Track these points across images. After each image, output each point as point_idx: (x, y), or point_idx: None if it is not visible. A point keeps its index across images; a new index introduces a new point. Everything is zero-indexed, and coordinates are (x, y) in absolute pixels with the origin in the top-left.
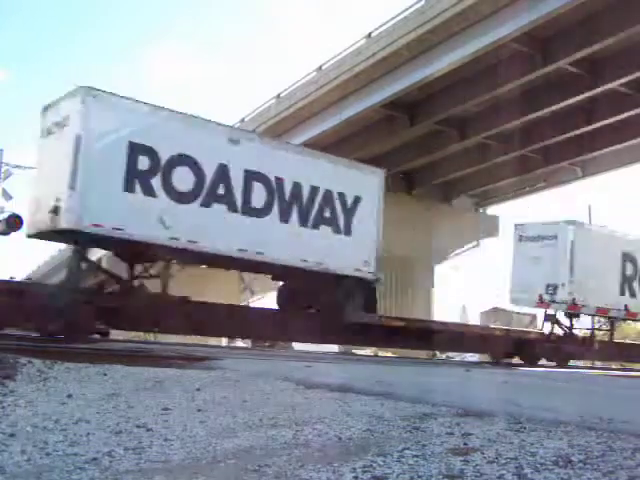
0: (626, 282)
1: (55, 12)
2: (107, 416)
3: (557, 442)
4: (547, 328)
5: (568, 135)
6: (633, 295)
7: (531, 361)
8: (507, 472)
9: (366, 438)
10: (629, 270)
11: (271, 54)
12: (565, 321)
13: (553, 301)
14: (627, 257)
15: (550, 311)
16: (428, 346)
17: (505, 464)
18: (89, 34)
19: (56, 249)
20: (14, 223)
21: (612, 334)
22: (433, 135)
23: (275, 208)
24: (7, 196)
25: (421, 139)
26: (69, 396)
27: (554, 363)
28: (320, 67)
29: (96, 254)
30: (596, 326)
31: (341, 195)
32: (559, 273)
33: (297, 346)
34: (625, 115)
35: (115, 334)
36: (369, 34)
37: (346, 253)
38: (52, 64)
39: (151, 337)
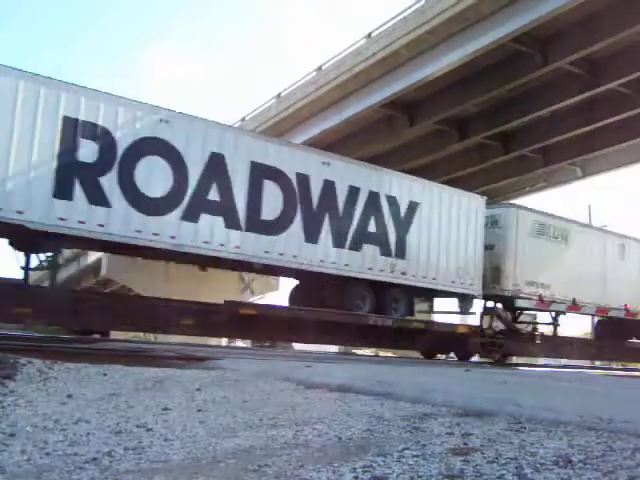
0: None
1: (55, 12)
2: (107, 416)
3: (557, 442)
4: None
5: (568, 135)
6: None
7: None
8: (507, 472)
9: (366, 438)
10: (89, 155)
11: (271, 54)
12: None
13: None
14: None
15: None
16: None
17: (505, 464)
18: (89, 34)
19: None
20: None
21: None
22: (433, 135)
23: None
24: None
25: (421, 139)
26: (69, 396)
27: None
28: (320, 67)
29: None
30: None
31: None
32: None
33: (297, 346)
34: (625, 115)
35: (115, 334)
36: (369, 34)
37: None
38: (52, 64)
39: (151, 337)
